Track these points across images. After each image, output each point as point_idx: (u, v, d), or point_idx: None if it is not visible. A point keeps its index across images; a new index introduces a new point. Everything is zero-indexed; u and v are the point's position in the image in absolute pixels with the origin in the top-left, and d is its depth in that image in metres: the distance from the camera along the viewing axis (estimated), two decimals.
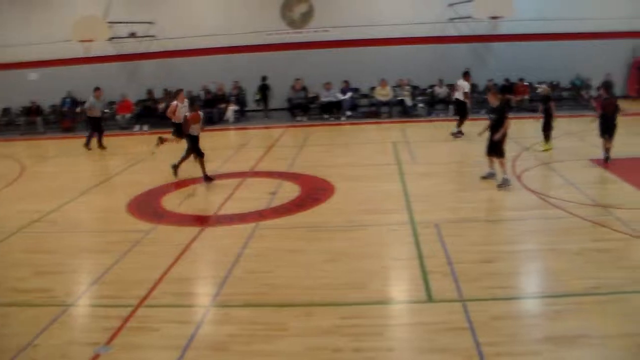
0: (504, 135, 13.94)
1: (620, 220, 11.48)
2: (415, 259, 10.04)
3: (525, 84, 26.57)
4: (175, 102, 18.02)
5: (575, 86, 27.17)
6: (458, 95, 21.20)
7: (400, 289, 9.40)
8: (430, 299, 8.65)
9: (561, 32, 27.28)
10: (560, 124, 18.41)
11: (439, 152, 18.77)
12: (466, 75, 21.46)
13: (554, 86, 26.65)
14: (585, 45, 27.38)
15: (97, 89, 21.86)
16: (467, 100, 20.87)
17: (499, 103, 14.15)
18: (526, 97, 26.17)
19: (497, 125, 13.88)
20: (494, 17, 24.99)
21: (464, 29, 27.44)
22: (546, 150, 17.58)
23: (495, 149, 14.12)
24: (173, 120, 18.10)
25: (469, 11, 25.17)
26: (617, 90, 25.84)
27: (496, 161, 14.28)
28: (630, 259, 9.87)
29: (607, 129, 16.02)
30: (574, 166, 15.99)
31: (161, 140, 18.07)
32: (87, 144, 21.68)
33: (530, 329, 7.75)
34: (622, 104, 16.42)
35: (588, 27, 27.34)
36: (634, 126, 19.64)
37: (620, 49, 28.14)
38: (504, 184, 13.82)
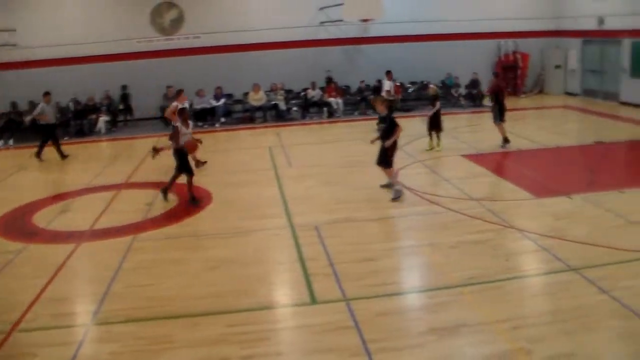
0: (394, 145, 13.60)
1: (492, 212, 11.99)
2: (297, 262, 10.11)
3: (397, 84, 27.16)
4: (175, 103, 16.52)
5: (446, 85, 28.03)
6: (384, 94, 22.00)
7: (284, 293, 9.43)
8: (314, 300, 8.70)
9: (430, 33, 28.18)
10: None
11: (315, 154, 18.92)
12: (389, 74, 22.48)
13: (424, 86, 27.47)
14: (454, 45, 28.44)
15: (46, 93, 20.38)
16: (391, 98, 21.70)
17: (387, 111, 13.78)
18: (399, 97, 26.75)
19: (388, 133, 13.51)
20: (364, 20, 25.43)
21: (335, 32, 27.75)
22: (439, 150, 17.92)
23: (383, 159, 13.65)
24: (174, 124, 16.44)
25: (340, 14, 25.48)
26: (485, 88, 27.07)
27: (384, 171, 13.89)
28: (503, 248, 10.39)
29: (501, 113, 16.88)
30: (447, 162, 16.52)
31: (156, 150, 16.86)
32: (38, 155, 20.05)
33: (414, 322, 7.98)
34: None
35: (455, 29, 28.45)
36: None
37: (486, 49, 29.43)
38: (397, 197, 13.39)
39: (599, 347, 7.20)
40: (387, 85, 22.35)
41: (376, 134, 14.07)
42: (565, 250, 10.03)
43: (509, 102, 25.63)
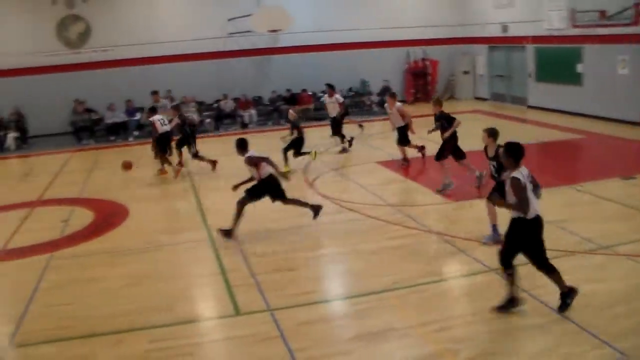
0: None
1: (411, 217, 12.24)
2: (219, 274, 10.10)
3: (309, 93, 27.41)
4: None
5: (358, 93, 28.48)
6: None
7: (206, 305, 9.43)
8: (237, 312, 8.72)
9: (340, 42, 28.58)
10: (346, 130, 19.29)
11: (230, 165, 18.63)
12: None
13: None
14: (364, 54, 28.95)
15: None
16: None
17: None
18: (311, 106, 26.94)
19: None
20: (273, 30, 25.54)
21: (244, 43, 27.80)
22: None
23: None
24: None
25: (248, 25, 25.55)
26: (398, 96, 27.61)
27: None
28: (422, 253, 10.62)
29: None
30: (362, 170, 16.74)
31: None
32: None
33: (339, 329, 8.09)
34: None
35: (365, 37, 28.93)
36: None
37: (395, 56, 30.11)
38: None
39: (521, 345, 7.50)
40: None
41: None
42: (483, 251, 10.32)
43: (421, 109, 26.53)
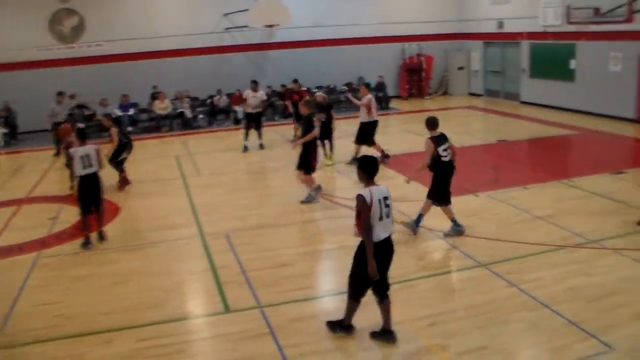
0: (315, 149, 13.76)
1: (403, 213, 12.10)
2: (209, 271, 10.03)
3: (303, 89, 27.20)
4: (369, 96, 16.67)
5: (353, 89, 28.28)
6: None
7: (196, 302, 9.33)
8: (227, 309, 8.65)
9: (336, 37, 28.57)
10: (341, 126, 19.12)
11: (223, 161, 18.67)
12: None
13: (331, 90, 27.62)
14: (359, 49, 28.92)
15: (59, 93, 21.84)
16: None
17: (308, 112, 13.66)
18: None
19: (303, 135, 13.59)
20: (269, 25, 25.35)
21: (240, 38, 27.70)
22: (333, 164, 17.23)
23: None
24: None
25: (245, 20, 25.38)
26: (391, 91, 27.69)
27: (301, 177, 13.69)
28: (414, 248, 10.61)
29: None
30: (354, 166, 16.58)
31: None
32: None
33: None
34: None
35: (361, 33, 28.97)
36: (407, 124, 20.88)
37: (390, 52, 30.16)
38: (308, 200, 13.52)
39: (510, 339, 7.51)
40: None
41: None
42: (474, 247, 10.39)
43: (415, 104, 26.54)
